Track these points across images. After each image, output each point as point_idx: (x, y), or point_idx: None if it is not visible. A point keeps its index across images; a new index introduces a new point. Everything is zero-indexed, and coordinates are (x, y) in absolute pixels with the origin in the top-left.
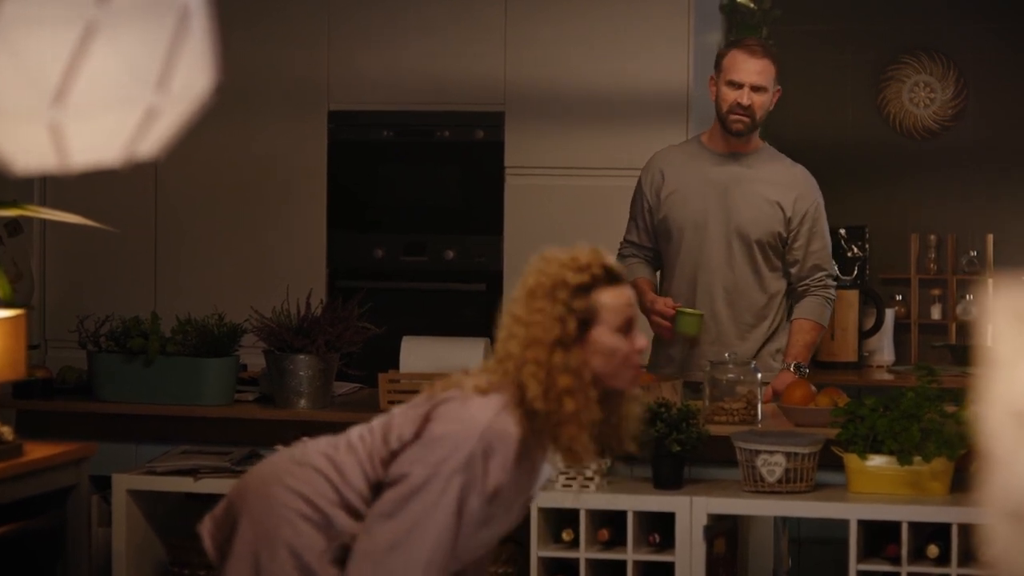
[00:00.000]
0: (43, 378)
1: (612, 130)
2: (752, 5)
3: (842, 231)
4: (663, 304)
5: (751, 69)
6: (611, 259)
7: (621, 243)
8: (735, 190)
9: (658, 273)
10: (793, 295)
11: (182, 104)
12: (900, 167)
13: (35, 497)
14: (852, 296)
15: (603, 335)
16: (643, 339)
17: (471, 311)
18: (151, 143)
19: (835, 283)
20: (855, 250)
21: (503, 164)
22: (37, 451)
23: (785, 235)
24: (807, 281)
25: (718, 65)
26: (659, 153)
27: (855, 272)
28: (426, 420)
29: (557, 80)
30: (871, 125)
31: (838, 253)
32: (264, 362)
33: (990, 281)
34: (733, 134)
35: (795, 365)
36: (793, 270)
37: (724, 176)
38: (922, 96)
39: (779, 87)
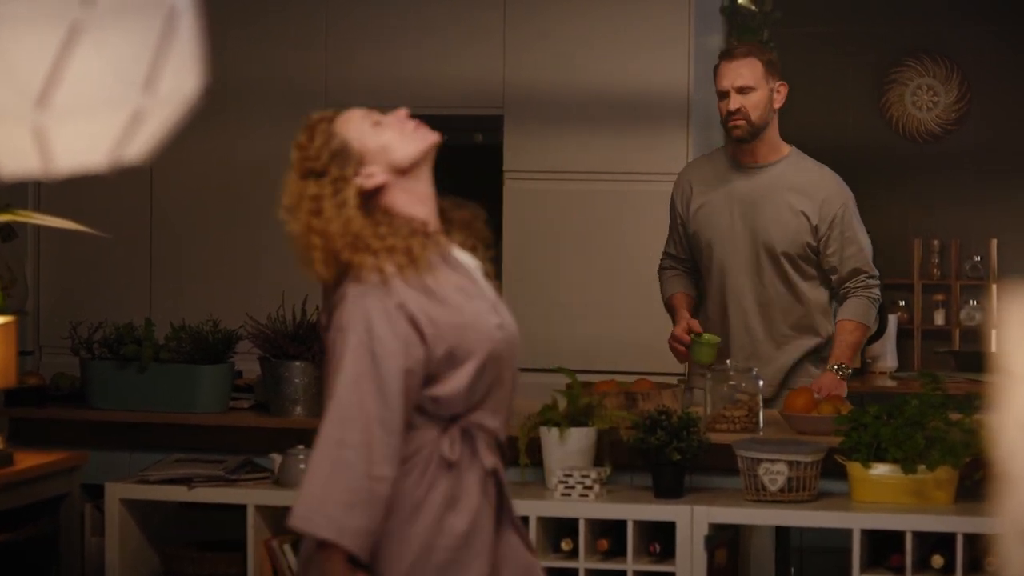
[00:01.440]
0: (35, 385)
1: (612, 134)
2: (753, 7)
3: None
4: (681, 330)
5: (731, 73)
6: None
7: (662, 255)
8: (759, 203)
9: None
10: (837, 299)
11: (170, 106)
12: (903, 171)
13: (27, 506)
14: None
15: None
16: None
17: None
18: (138, 146)
19: (878, 282)
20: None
21: (502, 168)
22: (28, 460)
23: (815, 244)
24: (848, 284)
25: (714, 80)
26: (689, 165)
27: None
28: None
29: (557, 83)
30: (873, 128)
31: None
32: (259, 369)
33: (994, 286)
34: (738, 141)
35: (837, 366)
36: (833, 277)
37: (748, 188)
38: (925, 99)
39: (782, 82)
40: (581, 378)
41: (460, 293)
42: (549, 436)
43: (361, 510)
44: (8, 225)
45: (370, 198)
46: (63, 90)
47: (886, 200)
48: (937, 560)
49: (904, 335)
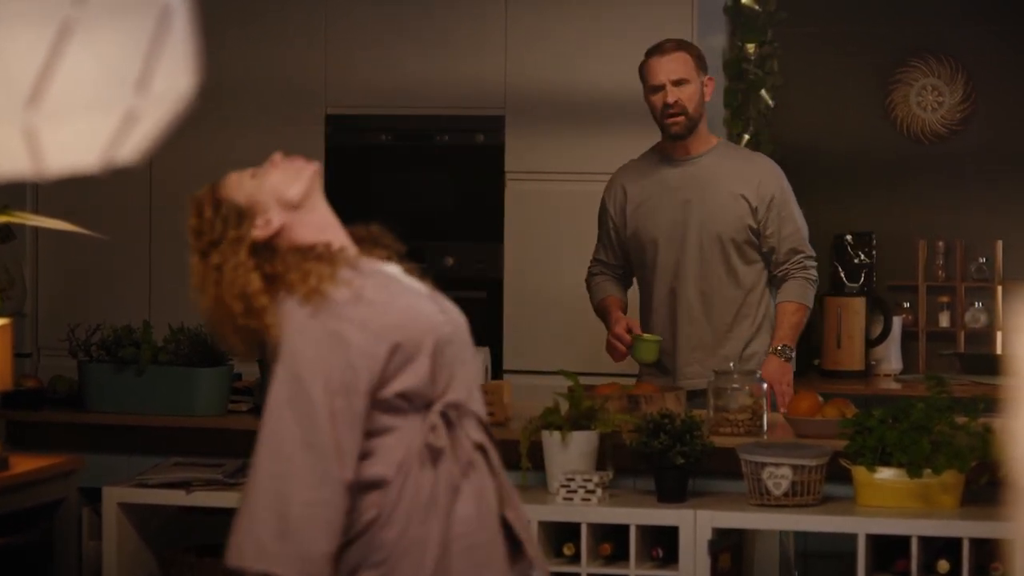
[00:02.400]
0: (33, 388)
1: (614, 134)
2: (756, 7)
3: (848, 237)
4: (621, 329)
5: (664, 67)
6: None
7: (590, 262)
8: (699, 193)
9: (629, 290)
10: (775, 282)
11: (163, 106)
12: (907, 172)
13: (23, 511)
14: (859, 304)
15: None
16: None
17: (471, 319)
18: (131, 147)
19: (815, 263)
20: (861, 257)
21: (503, 169)
22: (24, 464)
23: (755, 226)
24: (786, 266)
25: (641, 78)
26: (620, 169)
27: (861, 279)
28: None
29: (559, 83)
30: (878, 129)
31: (844, 260)
32: (259, 371)
33: (999, 288)
34: (675, 138)
35: (780, 348)
36: (772, 258)
37: (685, 181)
38: (930, 99)
39: (709, 76)
40: (583, 381)
41: (384, 292)
42: (551, 440)
43: (297, 537)
44: (6, 226)
45: (270, 243)
46: (54, 90)
47: (890, 201)
48: (943, 565)
49: (908, 337)
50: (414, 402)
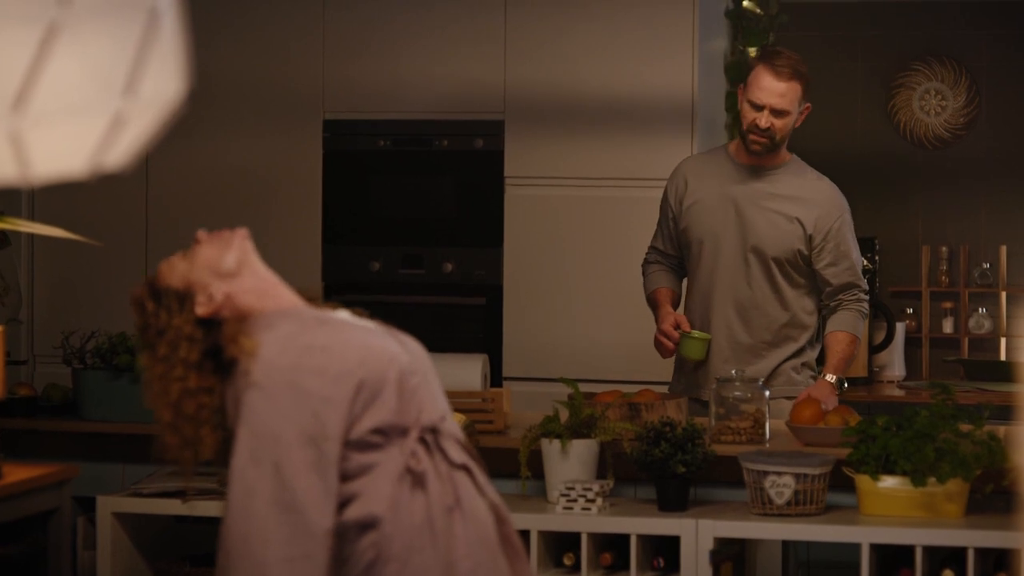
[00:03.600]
0: (26, 396)
1: (615, 139)
2: (759, 11)
3: None
4: (668, 325)
5: (773, 91)
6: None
7: (648, 249)
8: (753, 206)
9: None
10: (826, 309)
11: (152, 111)
12: (911, 177)
13: (15, 521)
14: None
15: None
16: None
17: (470, 326)
18: (120, 152)
19: (868, 296)
20: (864, 262)
21: (503, 174)
22: (16, 473)
23: (807, 253)
24: (840, 297)
25: (745, 78)
26: (686, 160)
27: None
28: None
29: (558, 88)
30: (881, 134)
31: None
32: None
33: (1003, 294)
34: (751, 154)
35: (832, 379)
36: (826, 289)
37: (744, 191)
38: (933, 104)
39: (808, 104)
40: (583, 388)
41: (338, 335)
42: (550, 448)
43: None
44: (1, 232)
45: (217, 316)
46: (40, 94)
47: (893, 206)
48: (948, 575)
49: (912, 343)
50: (389, 435)
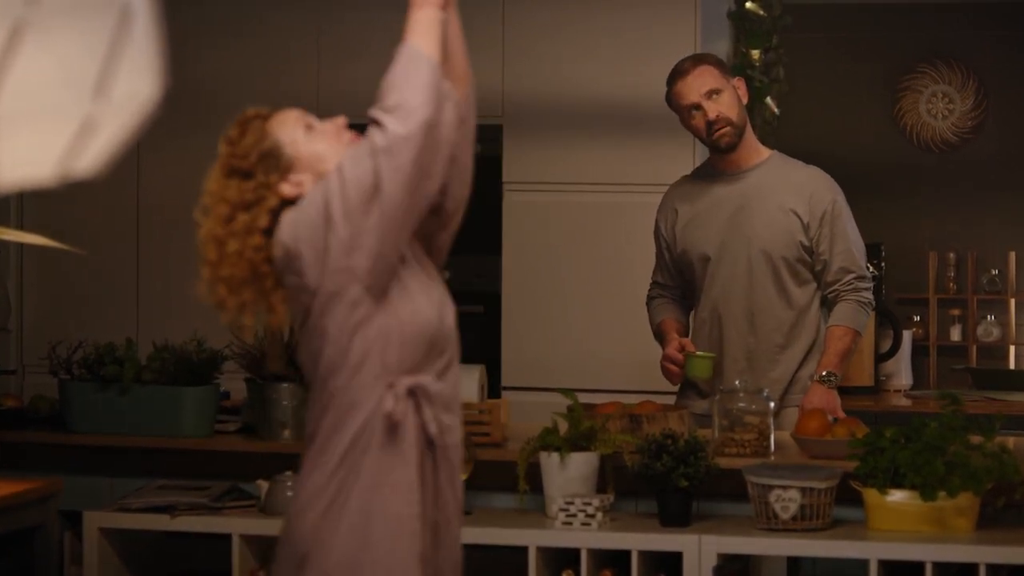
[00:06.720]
0: (12, 407)
1: (614, 144)
2: (761, 12)
3: None
4: (672, 349)
5: (692, 86)
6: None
7: (650, 285)
8: (748, 207)
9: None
10: (826, 303)
11: (124, 114)
12: (917, 181)
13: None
14: None
15: None
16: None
17: (469, 334)
18: (90, 158)
19: (869, 285)
20: (870, 268)
21: (501, 179)
22: (2, 488)
23: (808, 243)
24: (836, 286)
25: (673, 107)
26: (671, 188)
27: None
28: None
29: (557, 92)
30: (886, 137)
31: None
32: (246, 390)
33: (1012, 301)
34: (726, 150)
35: (824, 375)
36: (823, 277)
37: (734, 195)
38: (940, 107)
39: (738, 78)
40: (582, 399)
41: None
42: (549, 461)
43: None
44: None
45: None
46: (5, 97)
47: (900, 211)
48: None
49: (919, 351)
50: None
